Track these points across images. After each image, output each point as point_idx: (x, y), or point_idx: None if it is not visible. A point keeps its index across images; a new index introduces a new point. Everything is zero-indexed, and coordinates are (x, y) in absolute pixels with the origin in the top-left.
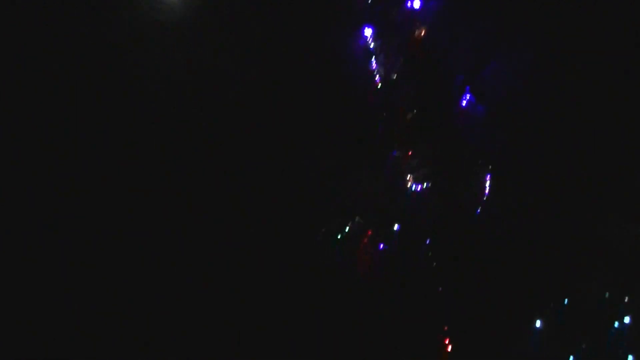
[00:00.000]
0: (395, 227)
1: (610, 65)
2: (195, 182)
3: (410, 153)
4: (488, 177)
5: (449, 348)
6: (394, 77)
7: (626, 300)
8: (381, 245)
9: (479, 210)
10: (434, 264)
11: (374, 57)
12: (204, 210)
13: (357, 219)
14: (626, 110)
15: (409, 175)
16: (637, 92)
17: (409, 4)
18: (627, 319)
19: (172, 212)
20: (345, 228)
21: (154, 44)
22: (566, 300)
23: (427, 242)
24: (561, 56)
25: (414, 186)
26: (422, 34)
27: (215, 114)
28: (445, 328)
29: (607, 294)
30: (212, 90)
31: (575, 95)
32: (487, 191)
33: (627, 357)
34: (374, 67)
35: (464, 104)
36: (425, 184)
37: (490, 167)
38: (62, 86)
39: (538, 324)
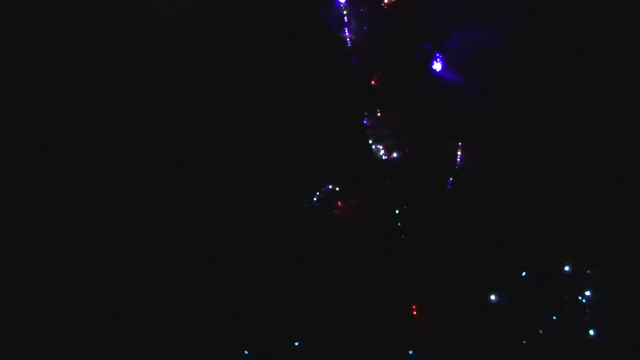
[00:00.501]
0: (370, 194)
1: (583, 27)
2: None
3: (382, 121)
4: (459, 145)
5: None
6: (366, 44)
7: (588, 273)
8: (357, 214)
9: (450, 179)
10: (408, 232)
11: (346, 24)
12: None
13: (331, 186)
14: (598, 75)
15: (381, 144)
16: (607, 52)
17: None
18: (588, 293)
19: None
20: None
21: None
22: (528, 273)
23: (401, 210)
24: (533, 22)
25: (385, 155)
26: (394, 0)
27: (197, 90)
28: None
29: (568, 268)
30: (196, 63)
31: (546, 61)
32: (458, 160)
33: (588, 331)
34: (346, 35)
35: (434, 71)
36: (396, 153)
37: (462, 135)
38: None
39: (502, 297)
